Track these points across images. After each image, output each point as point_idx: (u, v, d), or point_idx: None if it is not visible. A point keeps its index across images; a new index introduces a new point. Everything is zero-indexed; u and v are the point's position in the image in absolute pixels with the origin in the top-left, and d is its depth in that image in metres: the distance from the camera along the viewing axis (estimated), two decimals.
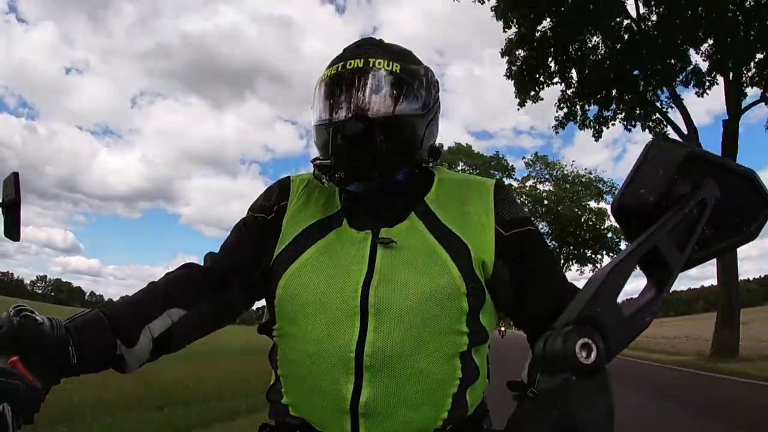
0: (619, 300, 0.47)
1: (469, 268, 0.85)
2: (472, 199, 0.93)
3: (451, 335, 0.84)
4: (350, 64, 0.90)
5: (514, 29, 15.95)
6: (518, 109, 17.45)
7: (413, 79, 0.91)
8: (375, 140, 0.84)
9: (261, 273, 0.93)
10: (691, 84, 16.11)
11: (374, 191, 0.91)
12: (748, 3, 13.82)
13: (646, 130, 16.90)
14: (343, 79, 0.89)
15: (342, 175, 0.87)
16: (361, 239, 0.89)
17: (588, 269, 33.86)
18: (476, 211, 0.91)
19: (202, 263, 0.95)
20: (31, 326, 0.69)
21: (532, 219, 0.95)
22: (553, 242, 33.10)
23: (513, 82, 16.72)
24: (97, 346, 0.76)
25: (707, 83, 15.89)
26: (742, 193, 0.52)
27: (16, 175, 0.91)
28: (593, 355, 0.41)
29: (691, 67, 16.01)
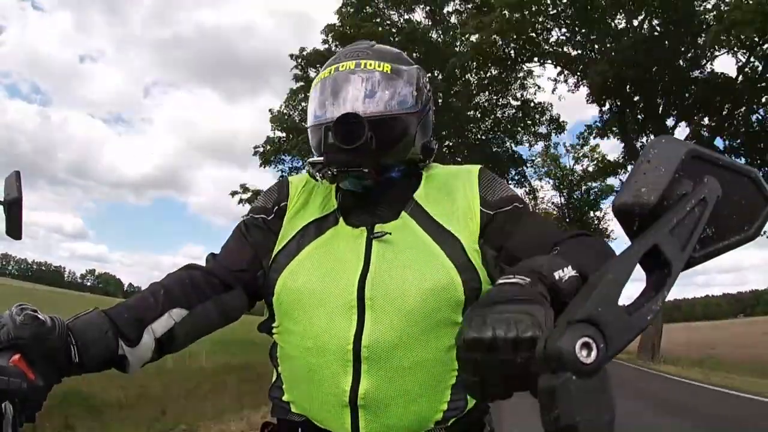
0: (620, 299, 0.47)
1: (462, 260, 0.86)
2: (458, 190, 0.94)
3: (447, 326, 0.85)
4: (342, 66, 0.93)
5: None
6: None
7: (403, 79, 0.94)
8: (364, 137, 0.86)
9: (262, 273, 0.94)
10: None
11: (369, 189, 0.93)
12: None
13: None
14: (335, 80, 0.93)
15: (334, 171, 0.89)
16: (357, 236, 0.91)
17: None
18: (463, 200, 0.93)
19: (204, 264, 0.97)
20: (33, 325, 0.69)
21: (521, 198, 0.95)
22: None
23: None
24: (99, 346, 0.77)
25: None
26: (743, 192, 0.52)
27: (17, 173, 0.91)
28: (593, 354, 0.42)
29: None
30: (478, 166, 0.99)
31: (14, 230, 0.92)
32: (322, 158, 0.90)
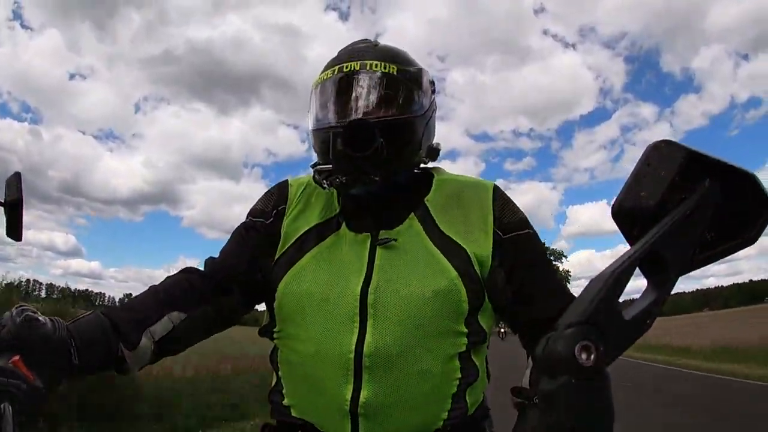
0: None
1: (467, 270, 0.85)
2: (470, 201, 0.93)
3: (449, 336, 0.84)
4: (347, 67, 0.89)
5: None
6: None
7: (410, 80, 0.91)
8: (375, 144, 0.83)
9: (261, 277, 0.93)
10: None
11: (373, 194, 0.91)
12: None
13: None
14: (339, 82, 0.89)
15: (343, 179, 0.86)
16: (361, 242, 0.89)
17: None
18: (475, 213, 0.91)
19: (202, 268, 0.96)
20: (33, 326, 0.69)
21: (530, 222, 0.95)
22: None
23: None
24: (99, 348, 0.76)
25: None
26: (743, 195, 0.52)
27: (18, 175, 0.91)
28: (593, 357, 0.41)
29: None
30: (492, 183, 0.97)
31: (14, 232, 0.92)
32: (329, 165, 0.87)
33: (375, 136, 0.83)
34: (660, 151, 0.50)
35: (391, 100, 0.88)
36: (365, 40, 0.98)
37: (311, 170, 0.95)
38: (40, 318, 0.71)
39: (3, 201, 0.89)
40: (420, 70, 0.94)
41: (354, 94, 0.88)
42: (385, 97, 0.88)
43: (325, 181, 0.89)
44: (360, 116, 0.86)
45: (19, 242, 0.94)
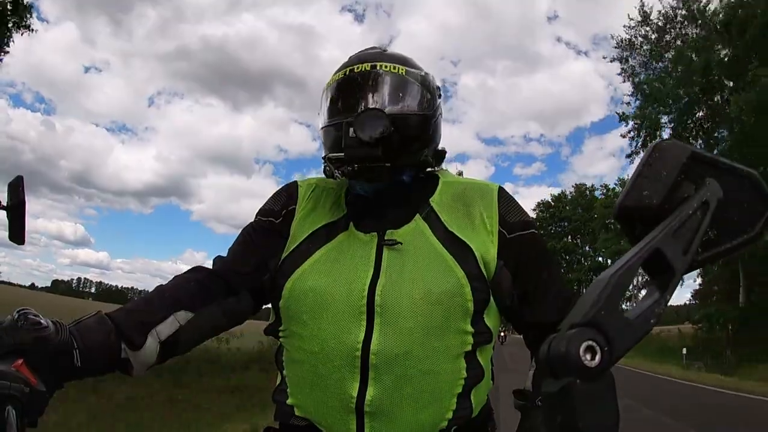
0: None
1: (473, 270, 0.86)
2: (475, 202, 0.94)
3: (455, 335, 0.84)
4: (358, 68, 0.93)
5: None
6: None
7: (417, 81, 0.94)
8: (387, 129, 0.85)
9: (269, 276, 0.94)
10: None
11: (380, 194, 0.92)
12: None
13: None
14: (352, 81, 0.92)
15: (355, 168, 0.88)
16: (368, 241, 0.90)
17: None
18: (480, 213, 0.92)
19: (210, 266, 0.96)
20: (35, 330, 0.69)
21: (536, 223, 0.96)
22: None
23: None
24: (102, 350, 0.77)
25: None
26: (745, 194, 0.52)
27: (20, 178, 0.91)
28: (597, 357, 0.41)
29: None
30: (497, 184, 0.99)
31: (17, 235, 0.92)
32: (341, 154, 0.89)
33: (387, 122, 0.86)
34: (662, 150, 0.50)
35: (401, 97, 0.92)
36: (374, 47, 1.03)
37: (321, 169, 0.98)
38: (42, 321, 0.71)
39: (6, 205, 0.89)
40: (426, 75, 0.98)
41: (365, 91, 0.92)
42: (394, 94, 0.92)
43: (336, 171, 0.91)
44: (371, 106, 0.89)
45: (21, 245, 0.94)
